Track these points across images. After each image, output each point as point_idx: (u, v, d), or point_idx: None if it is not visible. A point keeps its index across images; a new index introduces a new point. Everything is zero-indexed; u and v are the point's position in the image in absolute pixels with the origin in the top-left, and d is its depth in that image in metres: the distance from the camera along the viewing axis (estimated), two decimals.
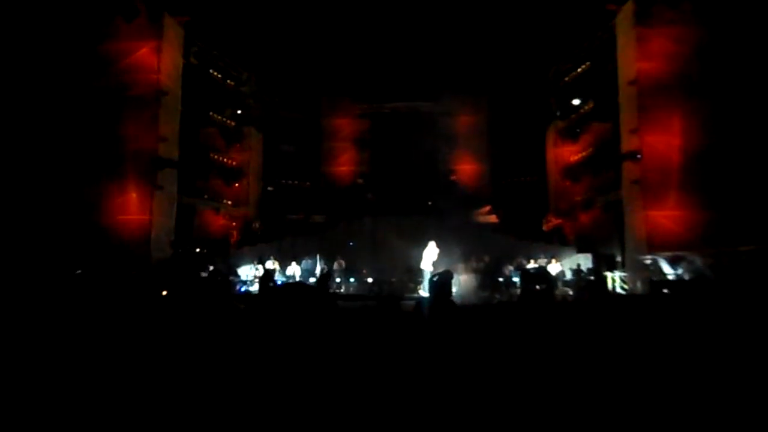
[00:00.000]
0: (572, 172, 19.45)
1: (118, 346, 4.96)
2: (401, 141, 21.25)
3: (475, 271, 17.32)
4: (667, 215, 14.48)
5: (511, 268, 17.01)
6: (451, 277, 13.24)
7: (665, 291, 12.59)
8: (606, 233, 16.65)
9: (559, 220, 19.45)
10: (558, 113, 20.25)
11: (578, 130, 19.31)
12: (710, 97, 13.82)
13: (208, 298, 12.82)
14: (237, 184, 21.02)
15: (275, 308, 6.47)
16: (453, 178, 22.02)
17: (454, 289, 13.60)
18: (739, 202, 12.98)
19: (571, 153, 19.63)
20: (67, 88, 15.42)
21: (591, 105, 18.57)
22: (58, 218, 14.69)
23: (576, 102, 19.38)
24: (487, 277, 17.01)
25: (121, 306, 8.65)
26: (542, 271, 15.70)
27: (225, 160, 20.39)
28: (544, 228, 19.77)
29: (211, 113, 19.71)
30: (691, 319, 7.34)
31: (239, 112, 21.05)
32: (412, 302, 6.45)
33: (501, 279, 17.14)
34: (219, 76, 20.05)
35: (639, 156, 14.98)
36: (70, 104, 15.47)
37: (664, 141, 14.66)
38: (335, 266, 18.11)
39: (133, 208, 15.83)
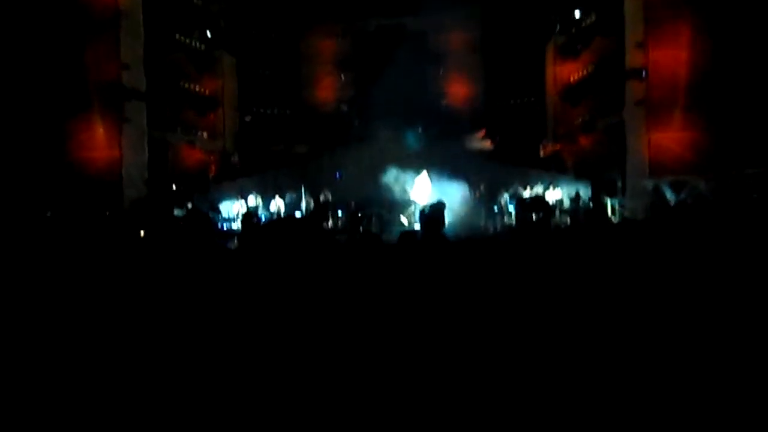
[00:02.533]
0: (572, 92, 19.19)
1: (99, 298, 5.03)
2: (387, 62, 20.67)
3: (469, 200, 17.47)
4: (671, 137, 14.49)
5: (506, 196, 17.14)
6: (443, 208, 13.42)
7: (666, 217, 12.86)
8: (606, 158, 16.67)
9: (558, 146, 19.36)
10: (558, 27, 19.76)
11: (579, 46, 18.88)
12: (721, 6, 13.55)
13: (189, 237, 12.89)
14: (212, 115, 20.58)
15: (264, 247, 6.54)
16: (444, 101, 21.68)
17: (446, 221, 13.83)
18: (746, 123, 13.01)
19: (571, 72, 19.28)
20: (20, 16, 14.81)
21: (594, 17, 18.13)
22: (24, 157, 14.49)
23: (577, 14, 18.89)
24: (482, 206, 17.19)
25: (97, 251, 8.70)
26: (539, 199, 15.87)
27: (197, 88, 19.87)
28: (542, 154, 19.70)
29: (177, 36, 19.02)
30: (692, 245, 7.52)
31: (209, 34, 20.35)
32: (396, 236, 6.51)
33: (496, 208, 17.32)
34: None
35: (644, 74, 14.82)
36: (25, 34, 14.91)
37: (671, 56, 14.46)
38: (321, 199, 18.16)
39: (100, 143, 15.59)
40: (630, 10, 15.37)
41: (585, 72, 18.64)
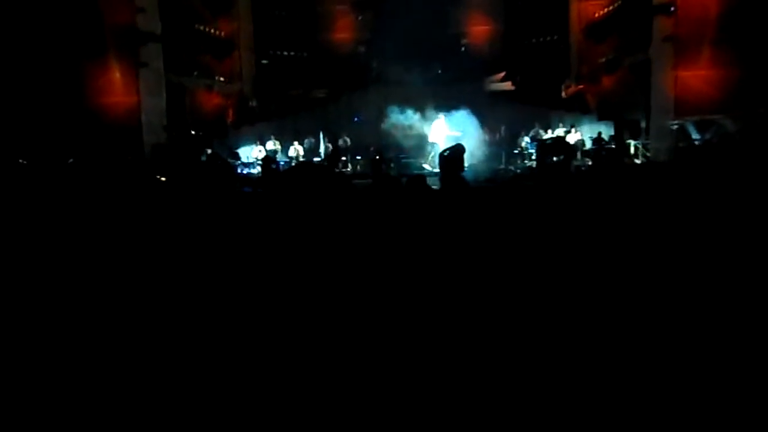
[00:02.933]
0: (596, 30, 18.56)
1: (118, 245, 5.14)
2: (405, 1, 20.18)
3: (489, 143, 17.33)
4: (698, 75, 14.06)
5: (527, 139, 16.96)
6: (463, 151, 13.29)
7: (691, 157, 12.62)
8: (631, 98, 16.30)
9: (581, 86, 18.89)
10: None
11: None
12: None
13: (210, 183, 13.01)
14: (228, 59, 20.40)
15: (283, 192, 6.53)
16: (464, 42, 21.15)
17: (465, 164, 13.74)
18: None
19: (596, 8, 18.61)
20: None
21: None
22: (42, 105, 14.58)
23: None
24: (502, 149, 17.05)
25: (120, 197, 8.84)
26: (560, 140, 15.67)
27: (212, 31, 19.62)
28: (564, 95, 19.29)
29: None
30: (717, 189, 7.36)
31: None
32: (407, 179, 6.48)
33: (516, 151, 17.16)
34: None
35: (672, 9, 14.30)
36: None
37: None
38: (340, 143, 18.13)
39: (118, 89, 15.62)
40: None
41: (611, 8, 17.98)
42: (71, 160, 14.00)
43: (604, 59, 18.17)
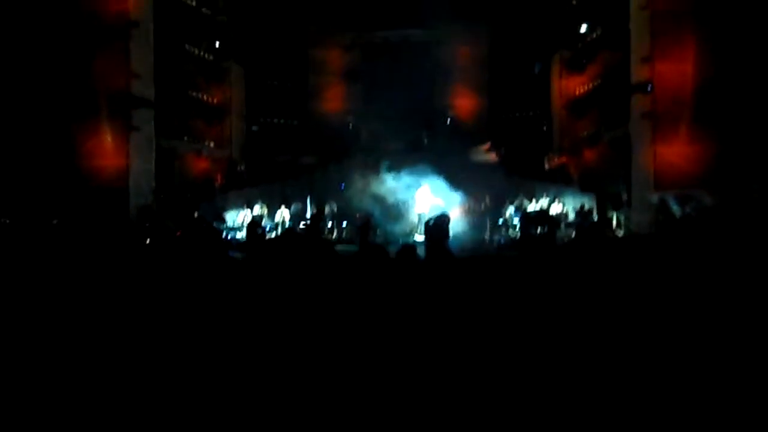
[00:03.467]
0: (578, 106, 19.31)
1: (101, 306, 5.08)
2: (394, 74, 20.91)
3: (473, 212, 17.48)
4: (676, 151, 14.53)
5: (511, 209, 17.17)
6: (448, 221, 13.41)
7: (672, 231, 12.83)
8: (612, 171, 16.73)
9: (563, 158, 19.47)
10: (564, 42, 19.87)
11: (585, 60, 19.02)
12: (726, 22, 13.59)
13: (195, 246, 12.95)
14: (219, 124, 20.81)
15: (267, 261, 6.55)
16: (450, 113, 21.82)
17: (450, 233, 13.85)
18: (751, 136, 13.02)
19: (577, 85, 19.42)
20: (31, 24, 15.02)
21: (600, 32, 18.25)
22: (32, 165, 14.64)
23: (584, 29, 19.00)
24: (487, 219, 17.19)
25: (105, 259, 8.77)
26: (543, 212, 15.87)
27: (205, 97, 20.10)
28: (547, 166, 19.82)
29: (186, 46, 19.26)
30: (698, 261, 7.50)
31: (217, 44, 20.56)
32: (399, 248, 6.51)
33: (501, 221, 17.33)
34: (193, 3, 19.47)
35: (650, 87, 14.91)
36: (36, 41, 15.12)
37: (676, 70, 14.53)
38: (327, 210, 18.24)
39: (109, 152, 15.77)
40: (636, 25, 15.48)
41: (591, 85, 18.75)
42: (55, 221, 13.94)
43: (585, 133, 18.78)
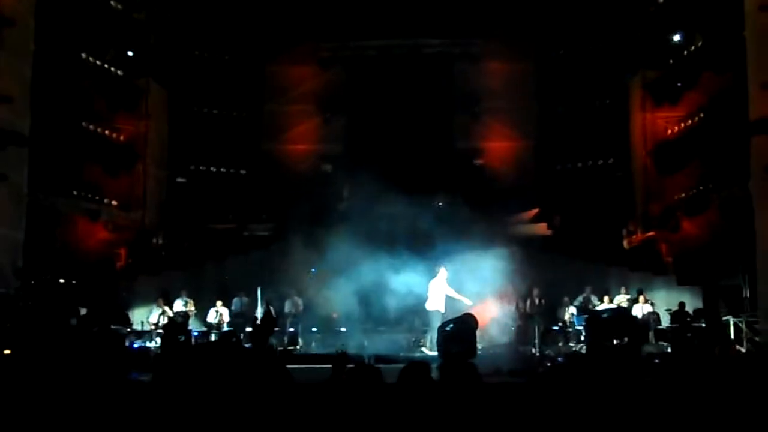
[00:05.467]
0: (671, 152, 19.42)
1: None
2: (394, 102, 21.19)
3: (514, 314, 17.42)
4: None
5: (572, 309, 17.09)
6: (473, 327, 13.39)
7: None
8: (726, 253, 16.73)
9: (650, 233, 19.54)
10: (647, 57, 20.22)
11: (680, 84, 19.32)
12: None
13: (82, 361, 12.75)
14: (127, 174, 20.79)
15: (188, 383, 6.44)
16: (478, 161, 22.08)
17: (478, 346, 13.72)
18: None
19: (668, 121, 19.63)
20: None
21: (701, 44, 18.59)
22: None
23: (676, 38, 19.41)
24: (534, 324, 17.09)
25: None
26: (623, 315, 15.77)
27: (108, 132, 20.23)
28: (626, 244, 19.93)
29: (83, 55, 19.50)
30: None
31: (131, 53, 20.84)
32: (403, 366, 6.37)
33: (556, 328, 17.23)
34: None
35: None
36: None
37: None
38: (288, 308, 18.14)
39: None
40: (753, 33, 15.72)
41: (689, 122, 18.91)
42: None
43: (683, 195, 18.80)
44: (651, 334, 16.18)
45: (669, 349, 15.49)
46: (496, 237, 18.51)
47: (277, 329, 17.15)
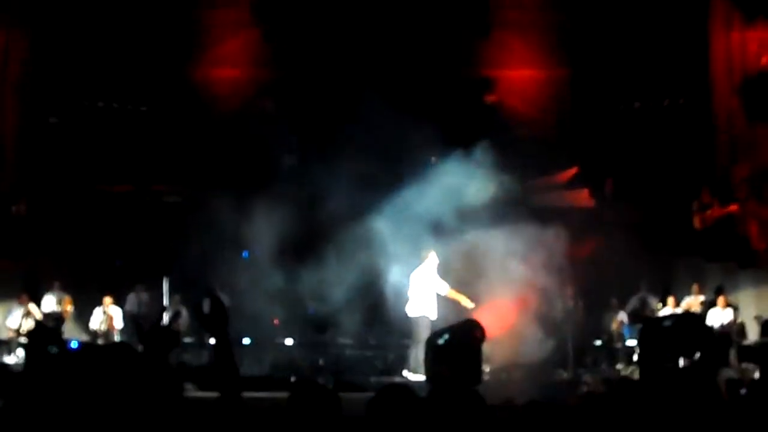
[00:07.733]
0: (767, 90, 19.72)
1: None
2: (365, 7, 21.17)
3: (540, 320, 17.67)
4: None
5: (622, 316, 17.43)
6: (478, 339, 13.94)
7: None
8: None
9: (734, 206, 19.80)
10: None
11: None
12: None
13: None
14: None
15: (60, 411, 6.80)
16: (490, 98, 22.38)
17: (485, 366, 14.20)
18: None
19: (763, 46, 19.87)
20: None
21: None
22: None
23: None
24: (569, 336, 17.37)
25: None
26: (692, 323, 16.17)
27: None
28: (697, 223, 20.00)
29: None
30: None
31: None
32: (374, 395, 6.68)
33: (598, 342, 17.59)
34: None
35: None
36: None
37: None
38: (205, 307, 18.56)
39: None
40: None
41: None
42: None
43: None
44: (733, 352, 16.48)
45: (757, 374, 15.86)
46: (514, 209, 18.56)
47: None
